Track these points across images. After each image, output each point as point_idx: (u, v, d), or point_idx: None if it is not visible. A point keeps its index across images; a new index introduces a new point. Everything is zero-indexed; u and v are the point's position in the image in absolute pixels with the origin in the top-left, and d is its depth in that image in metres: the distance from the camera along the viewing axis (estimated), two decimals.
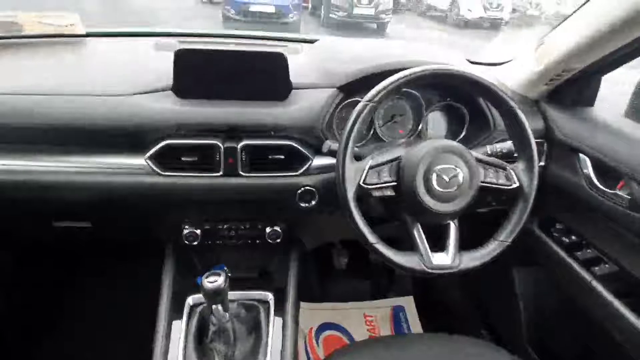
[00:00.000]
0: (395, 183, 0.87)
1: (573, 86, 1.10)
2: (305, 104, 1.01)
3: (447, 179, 0.84)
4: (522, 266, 1.32)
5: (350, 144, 0.84)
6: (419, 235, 0.88)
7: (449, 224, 0.90)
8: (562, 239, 1.11)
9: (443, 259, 0.87)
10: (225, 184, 0.98)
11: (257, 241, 1.11)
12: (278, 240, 1.09)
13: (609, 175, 0.97)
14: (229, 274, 1.17)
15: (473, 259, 0.89)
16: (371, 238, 0.85)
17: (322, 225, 1.15)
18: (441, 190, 0.84)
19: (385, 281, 1.79)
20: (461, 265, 0.87)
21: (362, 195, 0.86)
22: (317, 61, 1.14)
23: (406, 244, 0.90)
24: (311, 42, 1.32)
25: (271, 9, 8.07)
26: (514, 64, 1.23)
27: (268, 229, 1.09)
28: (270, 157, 0.99)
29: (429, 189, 0.84)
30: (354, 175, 0.85)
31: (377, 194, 0.87)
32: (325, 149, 0.95)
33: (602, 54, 0.98)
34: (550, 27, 1.10)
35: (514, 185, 0.90)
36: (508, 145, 1.00)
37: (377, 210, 0.96)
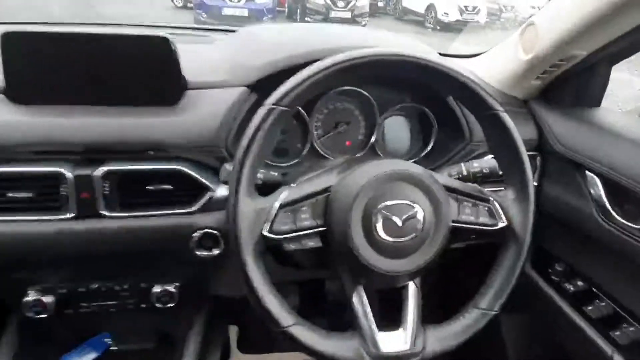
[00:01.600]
0: (322, 229, 0.57)
1: (573, 80, 0.83)
2: (203, 109, 0.71)
3: (399, 223, 0.54)
4: (512, 313, 1.03)
5: (247, 171, 0.54)
6: (361, 305, 0.58)
7: (406, 285, 0.61)
8: (564, 285, 0.83)
9: (397, 343, 0.57)
10: (80, 230, 0.66)
11: (143, 305, 0.79)
12: (171, 305, 0.77)
13: (630, 201, 0.70)
14: (113, 348, 0.86)
15: (443, 338, 0.59)
16: (285, 319, 0.54)
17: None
18: (391, 240, 0.54)
19: (345, 319, 1.47)
20: (426, 350, 0.58)
21: (271, 248, 0.56)
22: (230, 53, 0.83)
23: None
24: (232, 31, 1.02)
25: (244, 13, 7.75)
26: (494, 53, 0.95)
27: (156, 289, 0.77)
28: (149, 188, 0.68)
29: (372, 239, 0.54)
30: (254, 219, 0.54)
31: (293, 246, 0.56)
32: (223, 176, 0.64)
33: (612, 37, 0.72)
34: None
35: (501, 225, 0.61)
36: (490, 162, 0.71)
37: (299, 263, 0.67)
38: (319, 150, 0.86)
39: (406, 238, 0.55)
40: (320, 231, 0.56)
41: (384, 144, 0.90)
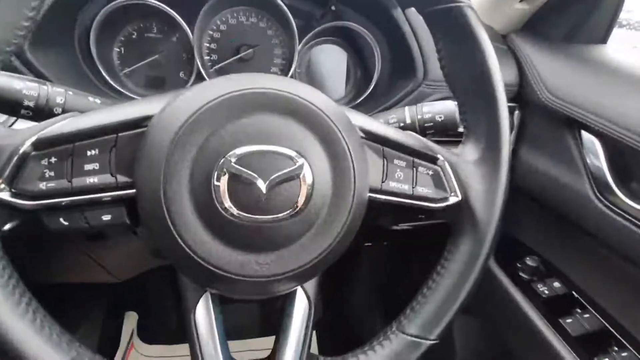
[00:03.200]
0: (127, 191, 0.31)
1: (573, 5, 0.58)
2: None
3: (262, 187, 0.29)
4: (465, 313, 0.83)
5: None
6: (207, 327, 0.34)
7: (292, 294, 0.37)
8: (535, 286, 0.62)
9: None
10: None
11: None
12: None
13: None
14: None
15: None
16: (51, 355, 0.29)
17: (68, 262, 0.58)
18: (249, 217, 0.29)
19: (279, 308, 1.25)
20: None
21: (19, 225, 0.30)
22: None
23: None
24: None
25: None
26: None
27: None
28: None
29: (210, 215, 0.29)
30: None
31: (66, 222, 0.31)
32: None
33: None
34: None
35: (452, 200, 0.38)
36: (448, 107, 0.47)
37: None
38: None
39: (278, 215, 0.30)
40: (124, 195, 0.31)
41: (309, 81, 0.65)
